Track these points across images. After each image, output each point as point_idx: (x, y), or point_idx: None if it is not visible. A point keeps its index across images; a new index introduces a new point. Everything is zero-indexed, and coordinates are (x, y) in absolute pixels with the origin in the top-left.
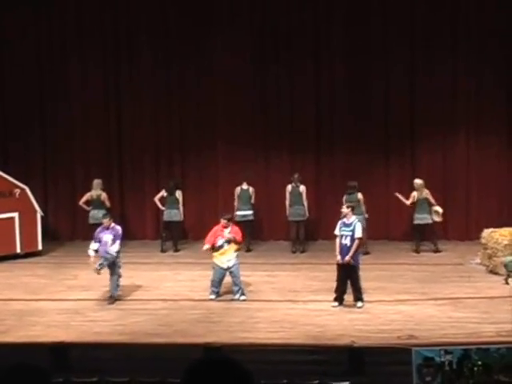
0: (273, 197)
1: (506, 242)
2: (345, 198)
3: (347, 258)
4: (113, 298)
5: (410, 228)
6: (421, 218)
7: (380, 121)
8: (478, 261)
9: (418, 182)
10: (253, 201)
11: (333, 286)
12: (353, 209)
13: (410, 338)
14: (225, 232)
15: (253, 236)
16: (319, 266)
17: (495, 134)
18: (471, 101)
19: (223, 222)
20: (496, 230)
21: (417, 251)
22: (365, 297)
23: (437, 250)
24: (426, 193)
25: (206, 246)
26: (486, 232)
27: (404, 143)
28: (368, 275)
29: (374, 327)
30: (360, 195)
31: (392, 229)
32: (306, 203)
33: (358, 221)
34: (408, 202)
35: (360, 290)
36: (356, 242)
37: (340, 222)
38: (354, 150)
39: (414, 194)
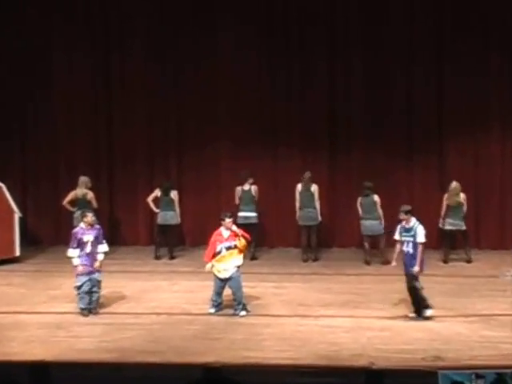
0: (281, 198)
1: None
2: (359, 200)
3: (416, 267)
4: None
5: (438, 235)
6: (454, 224)
7: (402, 117)
8: None
9: (454, 184)
10: (256, 201)
11: (348, 299)
12: (411, 213)
13: (436, 359)
14: (224, 234)
15: (258, 242)
16: (333, 276)
17: None
18: (505, 96)
19: (223, 222)
20: None
21: (445, 261)
22: (414, 312)
23: (469, 260)
24: (463, 197)
25: (208, 266)
26: None
27: (429, 143)
28: (390, 288)
29: (395, 346)
30: (376, 197)
31: None
32: (318, 205)
33: (419, 224)
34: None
35: (424, 299)
36: (420, 247)
37: (399, 226)
38: (372, 148)
39: (446, 196)
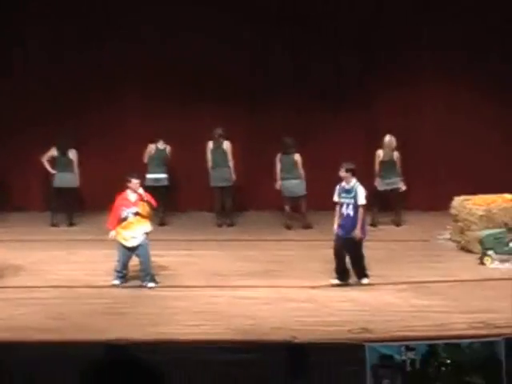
0: (192, 158)
1: (481, 213)
2: (279, 157)
3: (356, 231)
4: None
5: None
6: (390, 183)
7: (327, 67)
8: (448, 236)
9: (388, 139)
10: (169, 162)
11: (267, 267)
12: (353, 172)
13: (364, 331)
14: (130, 197)
15: (168, 206)
16: (251, 242)
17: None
18: (441, 47)
19: (130, 183)
20: (469, 197)
21: (374, 224)
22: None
23: (399, 223)
24: (397, 156)
25: (112, 233)
26: (457, 201)
27: (357, 95)
28: (313, 255)
29: (319, 319)
30: (298, 156)
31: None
32: (231, 164)
33: (359, 185)
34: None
35: (364, 267)
36: (361, 210)
37: (338, 186)
38: (295, 103)
39: (380, 152)
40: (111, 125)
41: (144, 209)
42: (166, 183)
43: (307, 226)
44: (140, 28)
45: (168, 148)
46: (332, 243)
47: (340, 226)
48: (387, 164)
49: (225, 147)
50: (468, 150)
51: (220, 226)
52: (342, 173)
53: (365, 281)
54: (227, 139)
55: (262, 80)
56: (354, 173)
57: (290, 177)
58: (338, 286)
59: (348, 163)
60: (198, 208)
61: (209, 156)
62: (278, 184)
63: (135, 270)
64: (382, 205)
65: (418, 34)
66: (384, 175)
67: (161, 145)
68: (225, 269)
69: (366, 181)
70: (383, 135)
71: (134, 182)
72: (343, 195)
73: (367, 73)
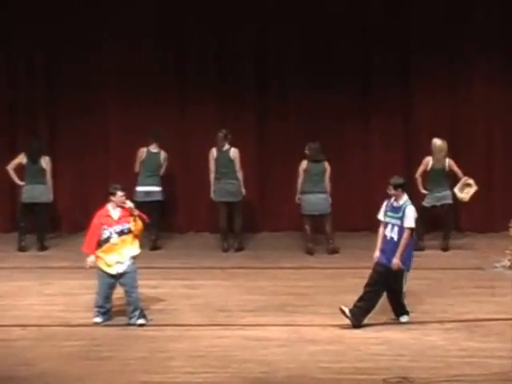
0: (191, 167)
1: None
2: (304, 166)
3: (395, 259)
4: None
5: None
6: (436, 198)
7: (355, 61)
8: (507, 263)
9: (437, 142)
10: (163, 172)
11: (284, 301)
12: (403, 188)
13: (403, 381)
14: (112, 214)
15: (162, 226)
16: (264, 271)
17: None
18: (494, 26)
19: (113, 197)
20: None
21: (418, 248)
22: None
23: (447, 247)
24: (450, 162)
25: (91, 259)
26: None
27: (391, 92)
28: (339, 285)
29: (347, 365)
30: (327, 164)
31: (374, 216)
32: (240, 175)
33: (410, 204)
34: (422, 190)
35: (404, 305)
36: (406, 234)
37: (386, 202)
38: (315, 103)
39: (429, 160)
40: (91, 130)
41: (137, 226)
42: (159, 198)
43: (333, 251)
44: (128, 27)
45: (162, 153)
46: (363, 271)
47: (381, 250)
48: (437, 174)
49: (232, 155)
50: None
51: (226, 250)
52: (391, 191)
53: (404, 318)
54: (234, 146)
55: (273, 77)
56: (404, 189)
57: (316, 190)
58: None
59: (396, 177)
60: (199, 229)
61: (212, 165)
62: (297, 198)
63: (121, 304)
64: (429, 225)
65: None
66: (432, 188)
67: (154, 148)
68: (232, 303)
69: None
70: (425, 145)
71: (119, 194)
72: (389, 214)
73: (408, 74)
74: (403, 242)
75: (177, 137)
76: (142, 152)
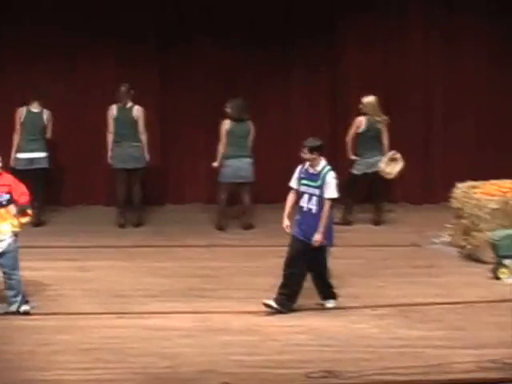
0: (83, 128)
1: (494, 206)
2: (226, 126)
3: (317, 235)
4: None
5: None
6: (367, 164)
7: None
8: (447, 239)
9: (369, 100)
10: (49, 135)
11: (190, 284)
12: (320, 151)
13: (328, 375)
14: None
15: (47, 198)
16: (168, 249)
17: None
18: None
19: None
20: (477, 184)
21: (345, 222)
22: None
23: (379, 221)
24: (384, 120)
25: None
26: (461, 189)
27: (315, 38)
28: (257, 265)
29: (264, 357)
30: (251, 125)
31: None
32: (144, 138)
33: (329, 170)
34: (351, 156)
35: (330, 284)
36: (327, 206)
37: (300, 168)
38: (223, 50)
39: (361, 120)
40: None
41: (17, 224)
42: (44, 165)
43: (248, 226)
44: None
45: (46, 112)
46: (283, 250)
47: (297, 223)
48: (369, 137)
49: (135, 114)
50: (477, 119)
51: (123, 225)
52: (306, 154)
53: (330, 304)
54: (136, 102)
55: (177, 27)
56: (321, 152)
57: (241, 154)
58: (281, 311)
59: (312, 139)
60: (91, 201)
61: (111, 126)
62: (217, 163)
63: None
64: (358, 195)
65: None
66: (363, 153)
67: (35, 107)
68: (129, 287)
69: (334, 161)
70: (353, 105)
71: None
72: (305, 182)
73: (335, 22)
74: (325, 214)
75: (67, 94)
76: (21, 112)
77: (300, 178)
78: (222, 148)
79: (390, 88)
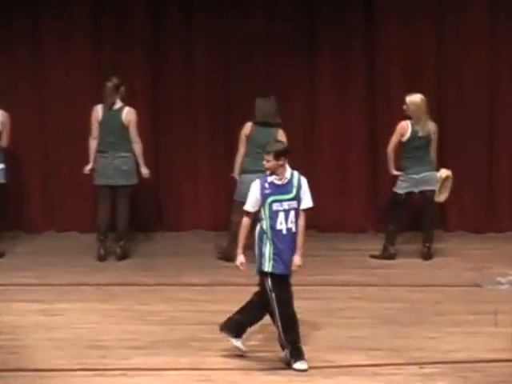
0: (56, 134)
1: None
2: (248, 131)
3: (298, 258)
4: None
5: (378, 204)
6: (414, 181)
7: None
8: None
9: (414, 100)
10: (4, 142)
11: (185, 332)
12: (285, 155)
13: None
14: None
15: (4, 222)
16: (159, 288)
17: None
18: None
19: None
20: None
21: (387, 254)
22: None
23: (429, 254)
24: (433, 128)
25: None
26: None
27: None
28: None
29: None
30: (282, 133)
31: (334, 207)
32: (138, 147)
33: (299, 174)
34: (394, 171)
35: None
36: (304, 217)
37: (261, 184)
38: (229, 23)
39: (406, 125)
40: None
41: None
42: (1, 180)
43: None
44: None
45: (1, 113)
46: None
47: (278, 256)
48: (416, 147)
49: (124, 117)
50: None
51: (103, 257)
52: (271, 162)
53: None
54: (127, 103)
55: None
56: (286, 156)
57: (261, 168)
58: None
59: (273, 143)
60: (63, 227)
61: (95, 131)
62: (234, 175)
63: None
64: (402, 220)
65: None
66: (409, 166)
67: None
68: (110, 337)
69: (372, 177)
70: (397, 95)
71: None
72: (275, 198)
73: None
74: (303, 229)
75: (31, 90)
76: None
77: (266, 195)
78: (239, 158)
79: (442, 82)
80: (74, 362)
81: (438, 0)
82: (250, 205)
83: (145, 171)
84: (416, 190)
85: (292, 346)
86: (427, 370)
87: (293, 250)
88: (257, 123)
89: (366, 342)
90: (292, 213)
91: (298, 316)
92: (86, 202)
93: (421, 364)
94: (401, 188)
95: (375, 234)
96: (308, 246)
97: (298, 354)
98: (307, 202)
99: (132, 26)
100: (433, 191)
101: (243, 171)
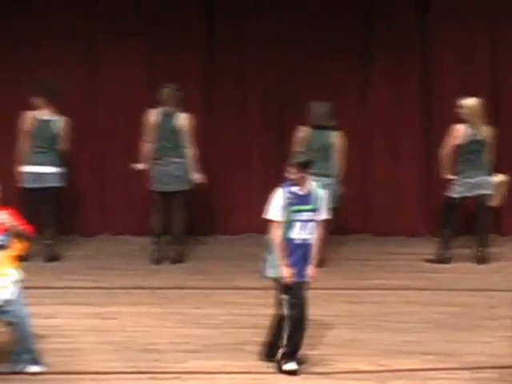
0: (111, 138)
1: None
2: (303, 136)
3: (312, 269)
4: None
5: (432, 207)
6: (468, 186)
7: None
8: None
9: (470, 102)
10: (63, 146)
11: (243, 338)
12: (307, 166)
13: None
14: None
15: (61, 226)
16: (213, 292)
17: None
18: None
19: None
20: None
21: (442, 258)
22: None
23: (483, 258)
24: (489, 132)
25: None
26: None
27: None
28: (325, 314)
29: None
30: (337, 136)
31: (387, 210)
32: (191, 152)
33: (319, 186)
34: (448, 175)
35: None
36: (322, 228)
37: (283, 193)
38: (295, 40)
39: (461, 128)
40: None
41: (16, 248)
42: (55, 183)
43: (318, 263)
44: None
45: (60, 120)
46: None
47: (291, 264)
48: (471, 150)
49: (180, 122)
50: None
51: (158, 261)
52: (295, 174)
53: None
54: (184, 109)
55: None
56: (309, 167)
57: (316, 172)
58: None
59: (297, 155)
60: (118, 230)
61: (149, 136)
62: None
63: (3, 343)
64: (457, 225)
65: None
66: (463, 171)
67: (45, 113)
68: (163, 340)
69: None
70: (452, 98)
71: None
72: (296, 208)
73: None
74: (319, 240)
75: (85, 93)
76: (29, 118)
77: (289, 205)
78: None
79: (498, 82)
80: (127, 365)
81: None
82: (278, 214)
83: (197, 176)
84: (470, 195)
85: (290, 348)
86: (480, 374)
87: (306, 261)
88: (312, 126)
89: (419, 346)
90: (310, 224)
91: (352, 319)
92: (140, 205)
93: (473, 369)
94: (455, 192)
95: (429, 237)
96: (361, 250)
97: (290, 357)
98: (324, 213)
99: (186, 29)
100: (488, 195)
101: None
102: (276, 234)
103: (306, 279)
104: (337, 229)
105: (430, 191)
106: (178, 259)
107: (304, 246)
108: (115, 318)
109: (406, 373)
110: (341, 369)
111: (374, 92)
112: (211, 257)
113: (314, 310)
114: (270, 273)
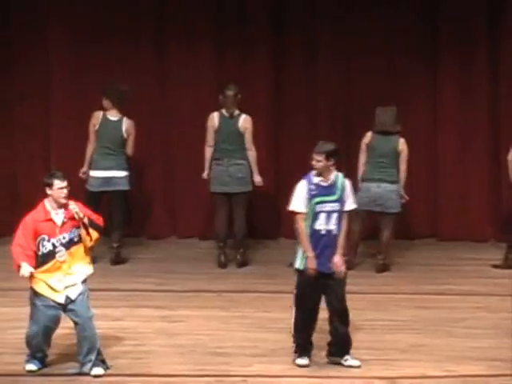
0: (176, 142)
1: None
2: (368, 140)
3: (339, 258)
4: None
5: (499, 212)
6: None
7: None
8: None
9: None
10: (130, 151)
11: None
12: (336, 156)
13: None
14: (55, 218)
15: (128, 229)
16: (279, 296)
17: None
18: None
19: (51, 189)
20: None
21: (510, 263)
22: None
23: None
24: None
25: (26, 270)
26: None
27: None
28: (392, 319)
29: None
30: (402, 142)
31: (455, 215)
32: (252, 155)
33: (343, 176)
34: None
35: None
36: (346, 221)
37: (306, 184)
38: (359, 42)
39: None
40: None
41: (88, 239)
42: (123, 186)
43: (383, 268)
44: None
45: (127, 122)
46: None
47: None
48: None
49: (241, 124)
50: None
51: (223, 265)
52: (321, 162)
53: (351, 361)
54: (243, 110)
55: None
56: (337, 157)
57: (380, 178)
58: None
59: (323, 143)
60: (184, 233)
61: (211, 138)
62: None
63: (68, 345)
64: None
65: None
66: None
67: (114, 115)
68: (231, 344)
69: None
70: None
71: (57, 185)
72: (319, 199)
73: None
74: (345, 231)
75: (153, 96)
76: (97, 118)
77: (312, 197)
78: (361, 166)
79: None
80: (195, 368)
81: None
82: (303, 205)
83: (258, 179)
84: None
85: (300, 342)
86: None
87: (332, 251)
88: (377, 132)
89: (487, 352)
90: (334, 215)
91: (420, 324)
92: (206, 208)
93: None
94: None
95: (496, 243)
96: (428, 256)
97: (301, 350)
98: (350, 204)
99: (254, 31)
100: None
101: (363, 179)
102: (300, 226)
103: (332, 270)
104: (403, 234)
105: (498, 196)
106: (244, 262)
107: (329, 237)
108: (183, 321)
109: (473, 379)
110: (407, 374)
111: (442, 95)
112: (277, 260)
113: (381, 315)
114: (297, 264)
